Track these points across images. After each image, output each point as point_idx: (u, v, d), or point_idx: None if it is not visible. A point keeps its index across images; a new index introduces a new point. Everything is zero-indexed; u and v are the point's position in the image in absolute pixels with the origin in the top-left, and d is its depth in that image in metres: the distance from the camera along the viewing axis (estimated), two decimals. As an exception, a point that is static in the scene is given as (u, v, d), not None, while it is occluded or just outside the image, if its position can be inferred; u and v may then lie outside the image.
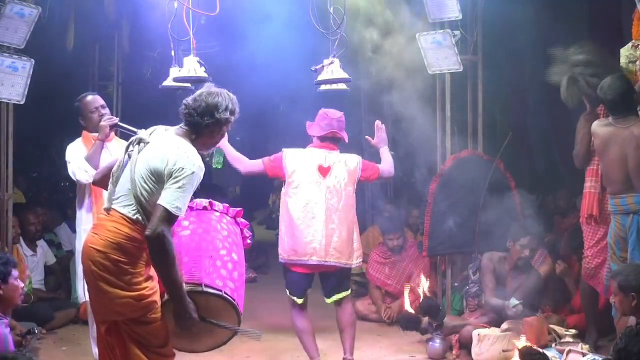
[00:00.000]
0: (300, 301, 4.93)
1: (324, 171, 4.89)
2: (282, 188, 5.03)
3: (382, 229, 6.98)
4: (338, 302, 5.01)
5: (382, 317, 6.61)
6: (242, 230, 3.76)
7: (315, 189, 4.86)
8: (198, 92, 3.42)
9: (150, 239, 3.14)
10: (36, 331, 5.32)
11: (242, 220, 3.78)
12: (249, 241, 3.80)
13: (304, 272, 4.91)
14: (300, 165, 4.90)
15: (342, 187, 4.89)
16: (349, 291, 5.08)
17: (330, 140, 4.98)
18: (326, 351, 5.42)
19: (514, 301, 5.02)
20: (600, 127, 4.88)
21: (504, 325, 5.22)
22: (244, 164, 4.95)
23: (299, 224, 4.84)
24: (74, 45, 7.36)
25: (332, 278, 4.97)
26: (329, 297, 5.02)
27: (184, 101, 3.40)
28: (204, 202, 3.65)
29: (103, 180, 3.56)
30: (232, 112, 3.42)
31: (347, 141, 5.04)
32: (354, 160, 5.00)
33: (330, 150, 4.97)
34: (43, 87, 6.13)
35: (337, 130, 4.95)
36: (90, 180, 4.08)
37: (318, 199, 4.84)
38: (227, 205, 3.76)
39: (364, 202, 8.86)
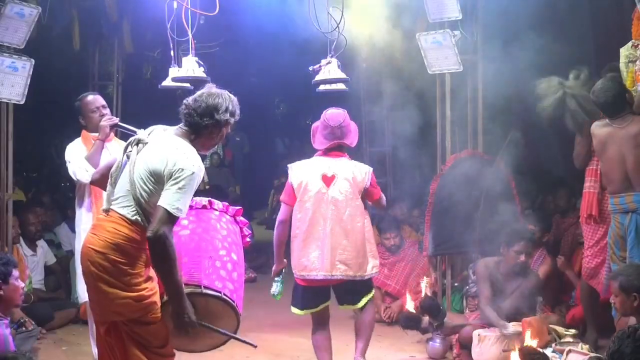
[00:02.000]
0: (305, 312, 4.74)
1: (327, 180, 4.66)
2: None
3: (379, 228, 6.98)
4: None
5: (382, 317, 6.60)
6: (241, 229, 3.75)
7: (320, 200, 4.64)
8: (199, 92, 3.42)
9: (151, 241, 3.14)
10: (23, 321, 5.29)
11: (242, 218, 3.77)
12: (248, 240, 3.79)
13: (314, 285, 4.69)
14: (304, 177, 4.69)
15: (347, 196, 4.65)
16: (371, 294, 4.83)
17: (336, 148, 4.77)
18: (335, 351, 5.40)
19: (510, 328, 5.03)
20: (598, 128, 4.91)
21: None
22: (286, 225, 4.78)
23: (305, 237, 4.65)
24: (73, 45, 7.38)
25: (342, 289, 4.75)
26: (340, 304, 4.86)
27: (184, 101, 3.40)
28: (204, 200, 3.65)
29: (101, 180, 3.56)
30: (232, 114, 3.41)
31: (354, 145, 4.82)
32: (362, 170, 4.76)
33: (337, 157, 4.75)
34: (43, 87, 6.13)
35: (340, 139, 4.72)
36: (90, 180, 4.07)
37: (323, 210, 4.63)
38: (227, 204, 3.75)
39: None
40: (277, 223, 4.83)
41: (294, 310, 4.79)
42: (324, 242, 4.62)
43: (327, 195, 4.65)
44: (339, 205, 4.64)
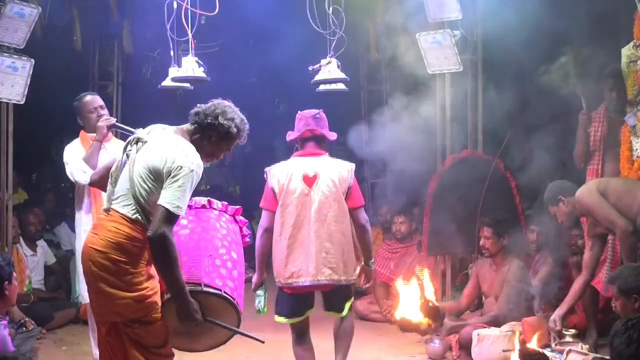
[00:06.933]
0: (292, 321, 4.55)
1: (309, 181, 4.42)
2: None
3: (390, 210, 7.13)
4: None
5: (383, 313, 6.61)
6: (240, 229, 3.76)
7: (303, 202, 4.40)
8: (217, 101, 3.47)
9: (152, 240, 3.14)
10: (23, 321, 5.29)
11: (241, 218, 3.77)
12: (247, 239, 3.80)
13: (300, 293, 4.49)
14: (285, 179, 4.44)
15: (331, 196, 4.42)
16: (352, 300, 4.68)
17: (314, 142, 4.54)
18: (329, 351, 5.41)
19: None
20: None
21: (505, 327, 5.22)
22: (270, 233, 4.50)
23: (290, 243, 4.41)
24: (74, 46, 7.39)
25: (330, 295, 4.56)
26: (328, 311, 4.66)
27: (197, 105, 3.44)
28: (203, 200, 3.65)
29: (101, 181, 3.57)
30: (237, 127, 3.42)
31: (333, 139, 4.59)
32: (345, 168, 4.51)
33: (317, 156, 4.53)
34: (43, 87, 6.13)
35: (316, 127, 4.49)
36: (89, 181, 4.07)
37: (306, 213, 4.39)
38: (226, 203, 3.75)
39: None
40: (260, 231, 4.53)
41: (280, 319, 4.59)
42: (308, 247, 4.40)
43: (310, 196, 4.41)
44: (323, 207, 4.41)
